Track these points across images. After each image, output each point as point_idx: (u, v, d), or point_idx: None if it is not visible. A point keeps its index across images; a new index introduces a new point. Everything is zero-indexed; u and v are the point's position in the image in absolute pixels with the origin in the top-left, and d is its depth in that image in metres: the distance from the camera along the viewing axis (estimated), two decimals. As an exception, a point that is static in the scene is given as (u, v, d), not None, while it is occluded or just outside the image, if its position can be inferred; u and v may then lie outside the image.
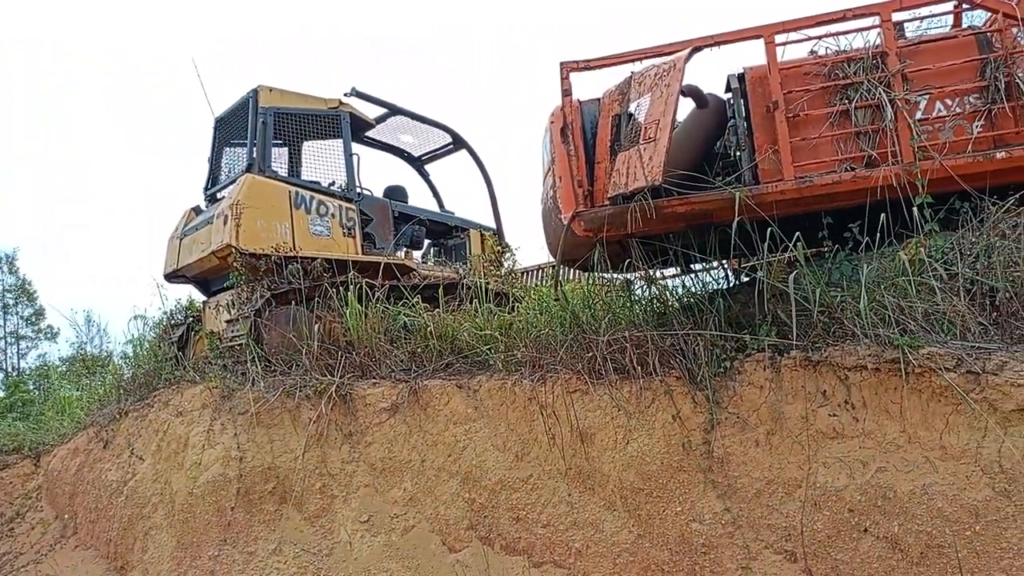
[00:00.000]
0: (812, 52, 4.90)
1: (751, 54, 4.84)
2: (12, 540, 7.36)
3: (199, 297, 8.74)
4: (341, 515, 5.64)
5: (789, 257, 4.61)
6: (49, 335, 33.88)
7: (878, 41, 4.60)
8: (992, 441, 3.62)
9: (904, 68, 4.48)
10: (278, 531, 5.66)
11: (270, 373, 6.41)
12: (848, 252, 4.61)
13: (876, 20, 4.56)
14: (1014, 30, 4.49)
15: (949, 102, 4.50)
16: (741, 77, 4.82)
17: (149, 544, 6.05)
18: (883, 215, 4.32)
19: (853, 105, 4.53)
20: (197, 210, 8.53)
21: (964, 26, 5.32)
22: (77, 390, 11.50)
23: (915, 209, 4.29)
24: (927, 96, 4.50)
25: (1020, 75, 4.38)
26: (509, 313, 6.74)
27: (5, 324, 33.11)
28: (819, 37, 4.79)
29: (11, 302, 33.52)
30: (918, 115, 4.48)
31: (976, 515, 3.59)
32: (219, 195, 8.29)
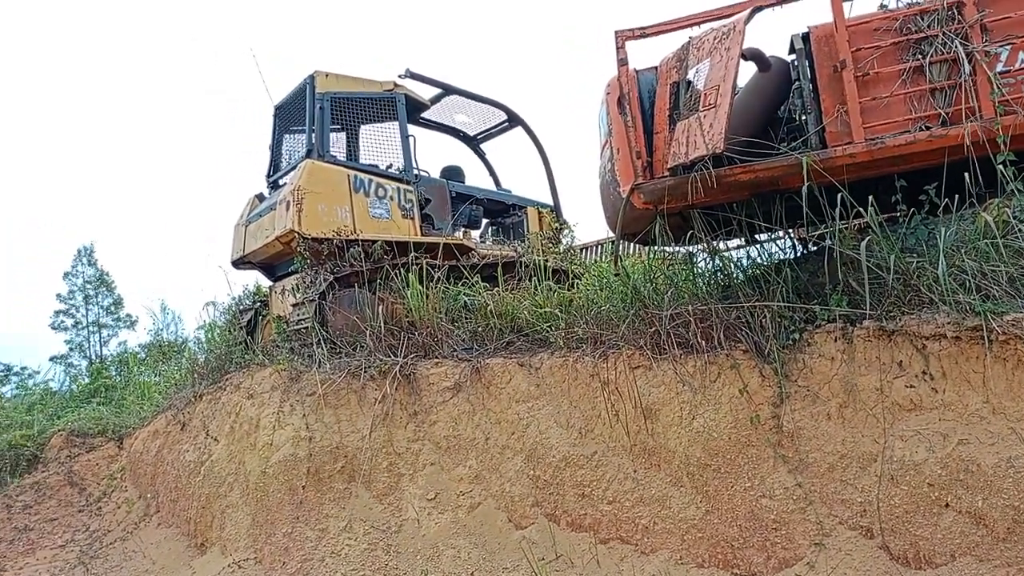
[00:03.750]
0: (882, 6, 4.66)
1: (815, 13, 4.63)
2: (100, 518, 7.74)
3: (265, 282, 8.96)
4: (408, 493, 5.73)
5: (860, 223, 4.43)
6: (128, 323, 35.25)
7: (954, -10, 4.34)
8: (1086, 411, 3.42)
9: (983, 18, 4.22)
10: (348, 509, 5.78)
11: (335, 355, 6.53)
12: (924, 216, 4.40)
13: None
14: None
15: (1033, 52, 4.23)
16: (805, 37, 4.62)
17: (226, 522, 6.27)
18: (965, 175, 4.09)
19: (927, 60, 4.29)
20: (260, 197, 8.71)
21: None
22: (155, 375, 11.97)
23: (997, 168, 4.05)
24: (1009, 47, 4.23)
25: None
26: (569, 290, 6.69)
27: (87, 314, 34.63)
28: (889, -10, 4.56)
29: (92, 292, 34.97)
30: (999, 67, 4.21)
31: (1069, 489, 3.41)
32: (281, 182, 8.44)
